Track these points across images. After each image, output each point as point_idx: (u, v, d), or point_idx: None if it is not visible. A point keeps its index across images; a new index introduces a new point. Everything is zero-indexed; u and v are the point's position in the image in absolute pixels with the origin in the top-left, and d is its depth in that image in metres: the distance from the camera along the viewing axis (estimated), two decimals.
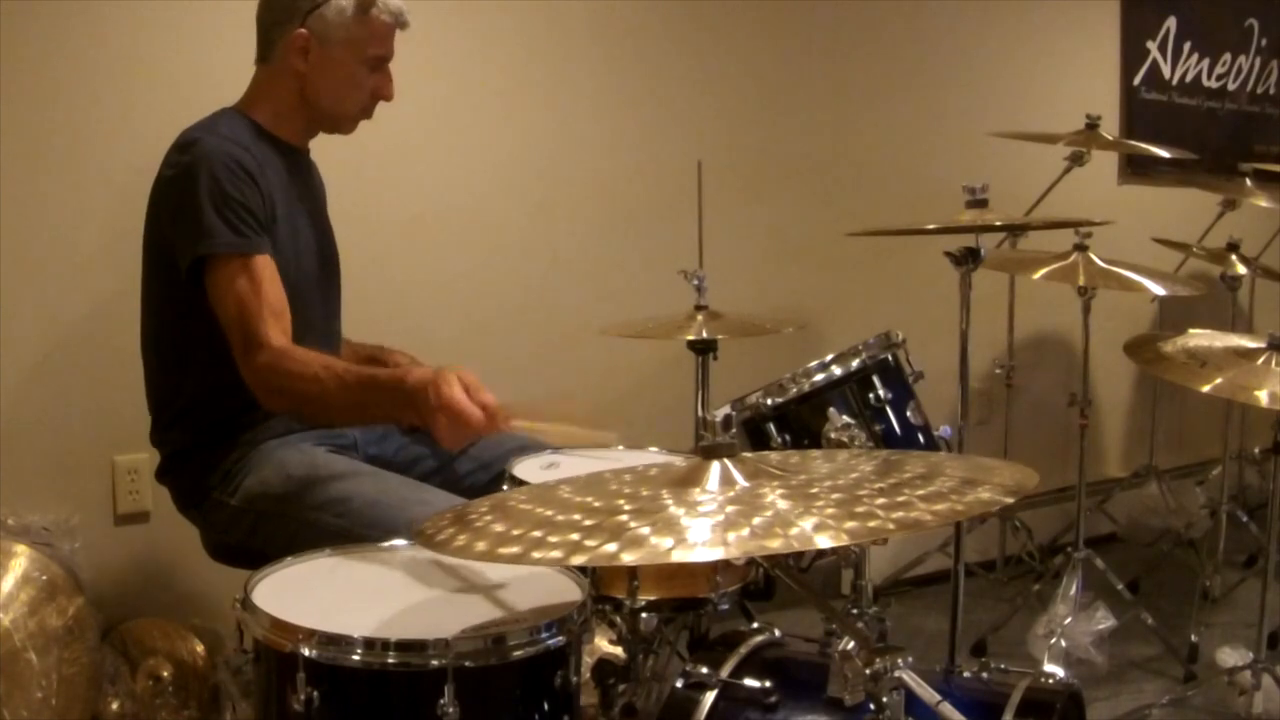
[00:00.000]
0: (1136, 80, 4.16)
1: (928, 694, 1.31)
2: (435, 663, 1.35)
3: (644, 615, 1.83)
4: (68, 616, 2.21)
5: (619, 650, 1.92)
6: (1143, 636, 3.05)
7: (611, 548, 1.10)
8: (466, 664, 1.36)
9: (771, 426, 2.20)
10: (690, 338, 2.44)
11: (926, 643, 3.05)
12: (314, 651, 1.36)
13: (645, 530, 1.12)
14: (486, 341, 2.88)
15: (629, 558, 1.09)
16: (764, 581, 1.95)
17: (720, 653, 1.66)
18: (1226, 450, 3.57)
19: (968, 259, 2.27)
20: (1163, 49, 4.21)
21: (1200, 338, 2.52)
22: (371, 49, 2.06)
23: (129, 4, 2.45)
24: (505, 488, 1.92)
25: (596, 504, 1.23)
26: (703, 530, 1.11)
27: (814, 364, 2.22)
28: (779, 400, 2.19)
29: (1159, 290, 2.87)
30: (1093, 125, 3.24)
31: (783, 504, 1.15)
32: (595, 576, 1.72)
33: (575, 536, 1.14)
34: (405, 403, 1.81)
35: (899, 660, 1.26)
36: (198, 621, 2.46)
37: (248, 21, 2.10)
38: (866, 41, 3.50)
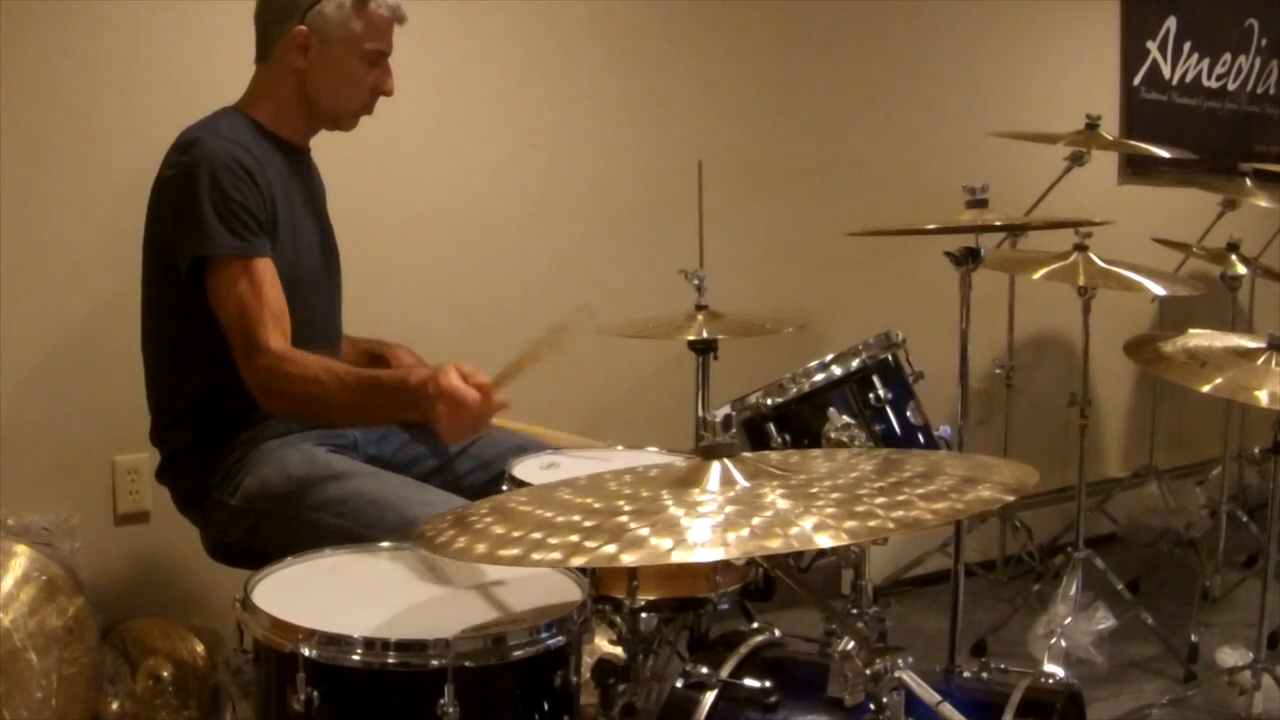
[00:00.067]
0: (1136, 80, 4.16)
1: (928, 694, 1.31)
2: (435, 663, 1.35)
3: (644, 615, 1.83)
4: (68, 616, 2.21)
5: (619, 650, 1.92)
6: (1143, 636, 3.05)
7: (611, 549, 1.10)
8: (466, 664, 1.36)
9: (771, 426, 2.20)
10: (690, 338, 2.44)
11: (926, 643, 3.05)
12: (314, 651, 1.36)
13: (645, 531, 1.12)
14: (486, 341, 2.85)
15: (629, 559, 1.09)
16: (764, 581, 1.95)
17: (720, 653, 1.66)
18: (1226, 450, 3.57)
19: (968, 259, 2.27)
20: (1163, 49, 4.21)
21: (1200, 338, 2.52)
22: (370, 44, 2.06)
23: (129, 4, 2.45)
24: (505, 488, 1.92)
25: (596, 505, 1.23)
26: (703, 531, 1.11)
27: (814, 364, 2.22)
28: (779, 400, 2.19)
29: (1159, 290, 2.87)
30: (1093, 125, 3.24)
31: (783, 504, 1.15)
32: (595, 577, 1.72)
33: (575, 538, 1.14)
34: (408, 402, 1.84)
35: (899, 660, 1.26)
36: (198, 621, 2.46)
37: (248, 21, 2.10)
38: (866, 41, 3.50)
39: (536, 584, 1.55)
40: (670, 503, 1.19)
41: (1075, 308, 3.06)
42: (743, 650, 1.67)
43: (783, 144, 3.37)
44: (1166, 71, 4.23)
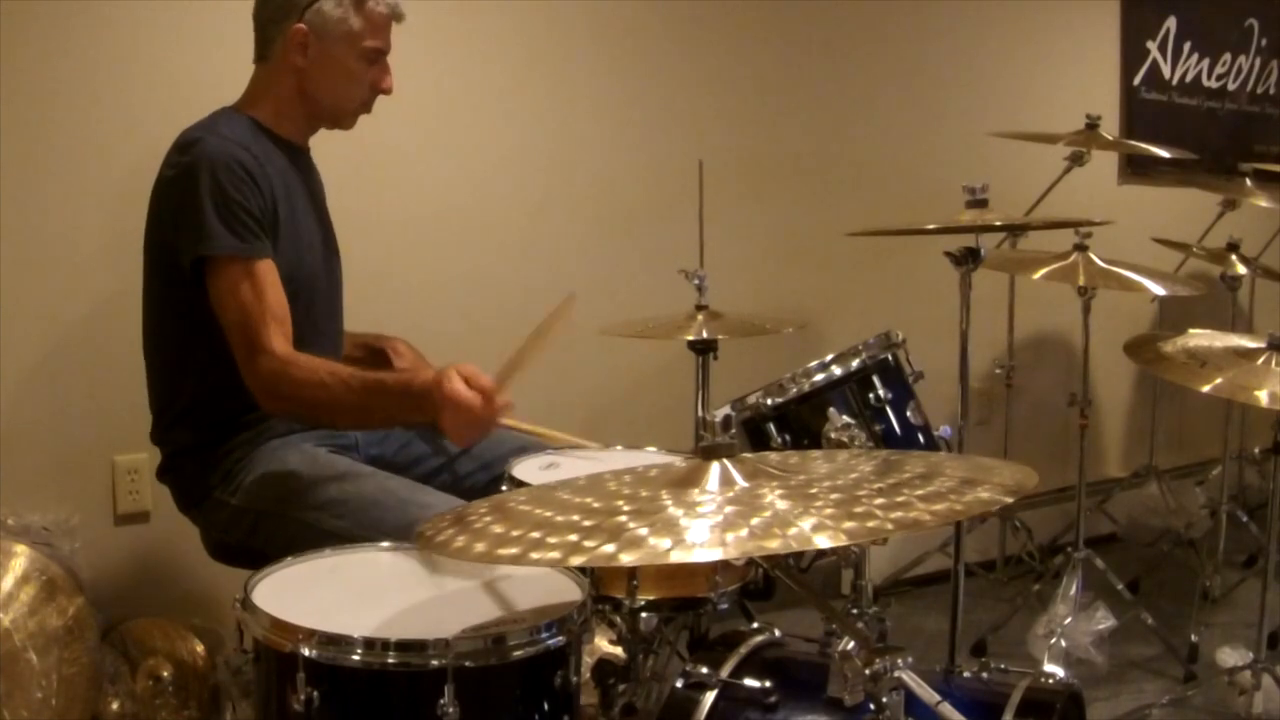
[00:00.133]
0: (1136, 80, 4.15)
1: (928, 694, 1.31)
2: (435, 663, 1.35)
3: (644, 615, 1.83)
4: (68, 616, 2.21)
5: (619, 650, 1.92)
6: (1143, 636, 3.05)
7: (610, 548, 1.10)
8: (466, 664, 1.36)
9: (771, 426, 2.20)
10: (690, 338, 2.44)
11: (926, 643, 3.05)
12: (314, 651, 1.36)
13: (644, 531, 1.12)
14: (486, 341, 2.84)
15: (627, 558, 1.09)
16: (764, 581, 1.95)
17: (720, 653, 1.66)
18: (1226, 450, 3.57)
19: (968, 259, 2.27)
20: (1163, 49, 4.21)
21: (1200, 338, 2.52)
22: (369, 41, 2.06)
23: (129, 4, 2.45)
24: (504, 488, 1.92)
25: (596, 505, 1.23)
26: (701, 531, 1.11)
27: (814, 364, 2.22)
28: (779, 400, 2.19)
29: (1159, 290, 2.87)
30: (1093, 125, 3.24)
31: (782, 504, 1.15)
32: (595, 576, 1.72)
33: (574, 537, 1.14)
34: (413, 405, 1.86)
35: (899, 660, 1.26)
36: (198, 621, 2.46)
37: (247, 21, 2.10)
38: (866, 41, 3.50)
39: (536, 584, 1.55)
40: (669, 503, 1.19)
41: (1075, 308, 3.06)
42: (743, 650, 1.66)
43: (783, 144, 3.37)
44: (1166, 71, 4.23)
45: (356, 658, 1.36)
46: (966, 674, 1.75)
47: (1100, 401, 4.00)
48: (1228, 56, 4.39)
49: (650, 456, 2.16)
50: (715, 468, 1.25)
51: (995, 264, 3.01)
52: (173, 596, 2.52)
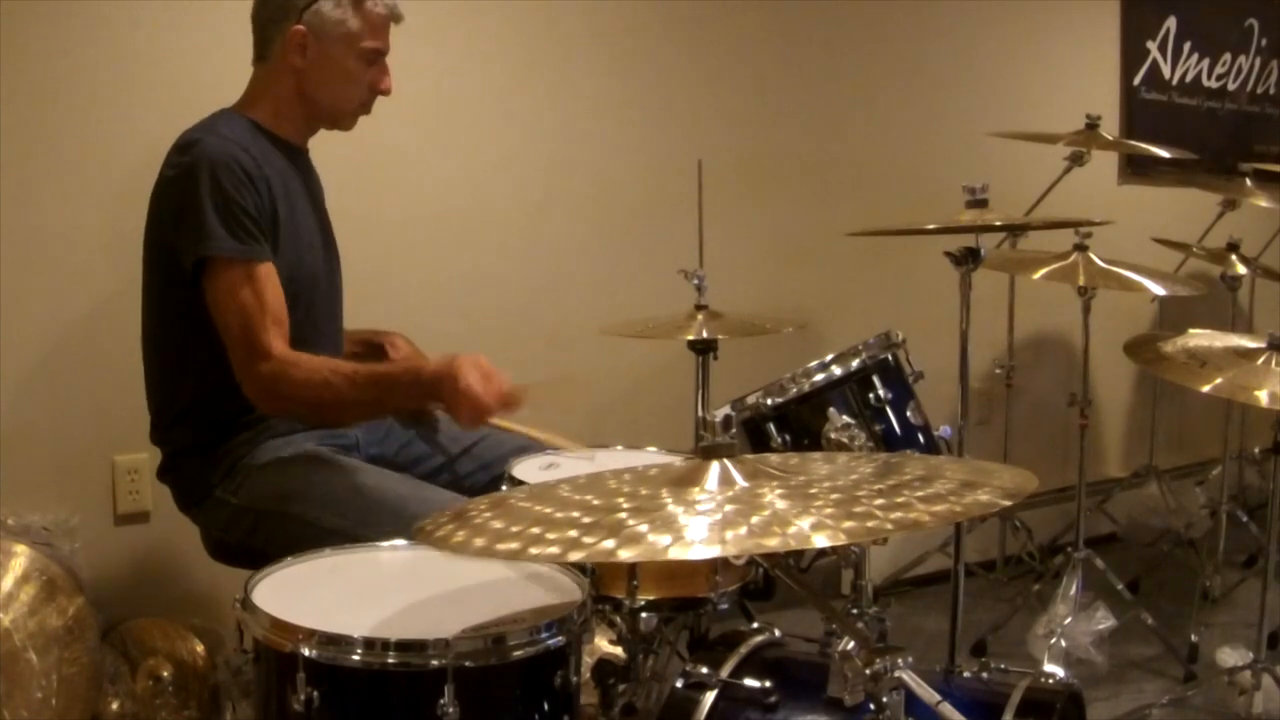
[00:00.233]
0: (1136, 80, 4.15)
1: (928, 694, 1.31)
2: (435, 663, 1.35)
3: (644, 615, 1.83)
4: (68, 616, 2.21)
5: (619, 650, 1.92)
6: (1143, 636, 3.05)
7: (609, 544, 1.10)
8: (466, 664, 1.36)
9: (771, 426, 2.20)
10: (690, 338, 2.44)
11: (926, 643, 3.05)
12: (314, 651, 1.36)
13: (643, 528, 1.12)
14: (486, 341, 2.85)
15: (626, 554, 1.09)
16: (764, 581, 1.95)
17: (720, 653, 1.66)
18: (1226, 450, 3.57)
19: (968, 259, 2.27)
20: (1163, 49, 4.21)
21: (1200, 338, 2.52)
22: (368, 42, 2.06)
23: (129, 4, 2.45)
24: (505, 488, 1.92)
25: (595, 502, 1.23)
26: (700, 528, 1.12)
27: (814, 364, 2.22)
28: (779, 400, 2.19)
29: (1159, 290, 2.87)
30: (1093, 125, 3.24)
31: (781, 504, 1.15)
32: (595, 576, 1.72)
33: (573, 533, 1.14)
34: (424, 393, 1.93)
35: (899, 660, 1.26)
36: (198, 621, 2.46)
37: (247, 21, 2.10)
38: (867, 41, 3.50)
39: (536, 584, 1.55)
40: (669, 501, 1.19)
41: (1075, 308, 3.06)
42: (743, 650, 1.67)
43: (783, 144, 3.37)
44: (1166, 71, 4.23)
45: (356, 658, 1.36)
46: (966, 674, 1.75)
47: (1100, 401, 4.00)
48: (1228, 56, 4.39)
49: (649, 456, 2.16)
50: (715, 467, 1.25)
51: (995, 264, 3.00)
52: (173, 596, 2.52)
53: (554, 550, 1.12)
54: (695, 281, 2.47)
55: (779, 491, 1.19)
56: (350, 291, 2.27)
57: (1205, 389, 2.29)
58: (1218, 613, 3.27)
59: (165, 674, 2.35)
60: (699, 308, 2.49)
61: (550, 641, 1.42)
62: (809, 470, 1.32)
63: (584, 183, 3.07)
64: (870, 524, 1.10)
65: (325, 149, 2.23)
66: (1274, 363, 2.30)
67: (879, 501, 1.15)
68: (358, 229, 2.40)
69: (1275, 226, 3.99)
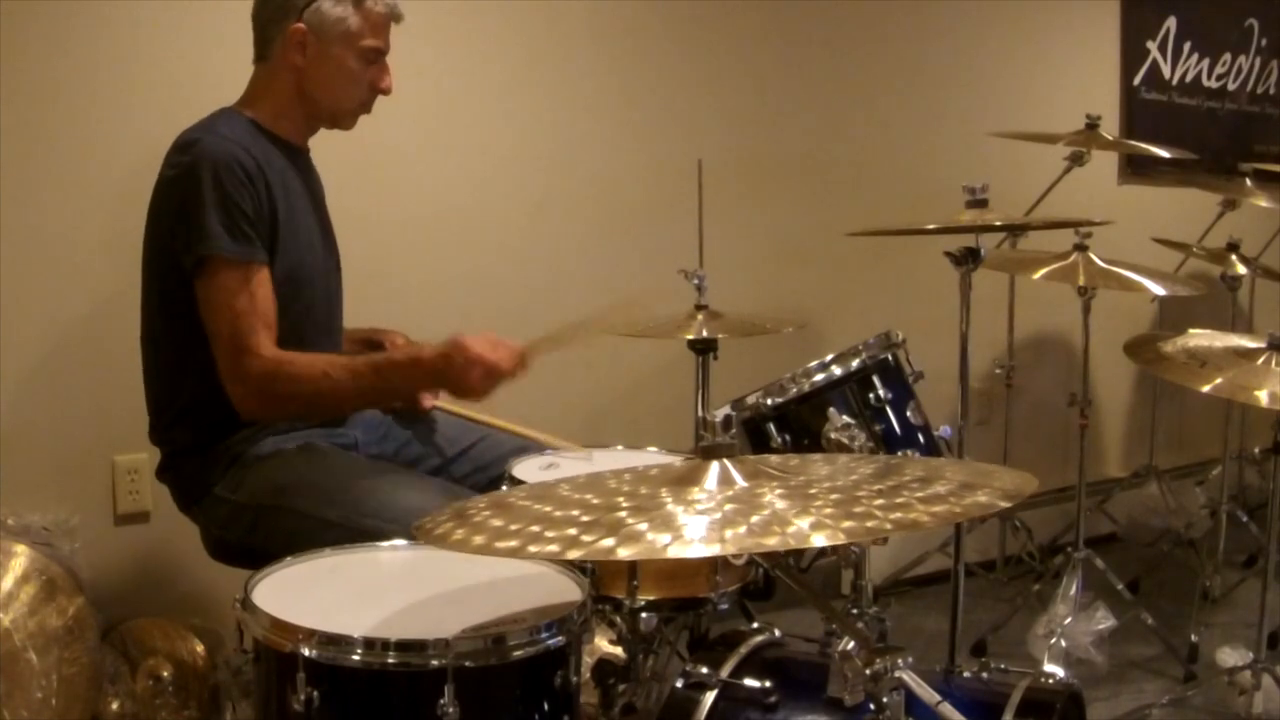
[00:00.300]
0: (1136, 80, 4.15)
1: (928, 694, 1.31)
2: (435, 663, 1.35)
3: (644, 615, 1.83)
4: (68, 616, 2.21)
5: (619, 650, 1.92)
6: (1143, 636, 3.05)
7: (609, 542, 1.10)
8: (466, 664, 1.36)
9: (771, 426, 2.20)
10: (690, 337, 2.44)
11: (926, 643, 3.05)
12: (314, 651, 1.36)
13: (642, 526, 1.12)
14: None
15: (625, 553, 1.09)
16: (764, 581, 1.95)
17: (720, 653, 1.66)
18: (1226, 450, 3.57)
19: (968, 259, 2.27)
20: (1163, 49, 4.21)
21: (1200, 338, 2.52)
22: (368, 41, 2.06)
23: (129, 4, 2.45)
24: (505, 488, 1.92)
25: (595, 501, 1.23)
26: (699, 527, 1.12)
27: (814, 364, 2.22)
28: (779, 400, 2.19)
29: (1159, 290, 2.87)
30: (1093, 125, 3.24)
31: (781, 504, 1.15)
32: (595, 576, 1.72)
33: (572, 531, 1.14)
34: (426, 375, 1.97)
35: (899, 660, 1.26)
36: (198, 621, 2.46)
37: (247, 21, 2.10)
38: (866, 41, 3.50)
39: (536, 584, 1.55)
40: (669, 500, 1.19)
41: (1075, 308, 3.06)
42: (743, 650, 1.67)
43: (783, 144, 3.37)
44: (1166, 71, 4.23)
45: (356, 658, 1.36)
46: (966, 674, 1.75)
47: (1100, 401, 4.00)
48: (1228, 56, 4.39)
49: (649, 457, 2.16)
50: (715, 467, 1.25)
51: (995, 264, 3.00)
52: (173, 596, 2.52)
53: (553, 548, 1.12)
54: (695, 281, 2.47)
55: (779, 491, 1.19)
56: (350, 291, 2.27)
57: (1205, 389, 2.29)
58: (1218, 613, 3.27)
59: (165, 674, 2.35)
60: (699, 307, 2.49)
61: (550, 641, 1.42)
62: (809, 470, 1.33)
63: (584, 183, 3.06)
64: (869, 524, 1.10)
65: (325, 149, 2.23)
66: (1274, 363, 2.30)
67: (878, 502, 1.15)
68: (358, 229, 2.40)
69: (1275, 226, 4.00)
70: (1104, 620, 2.88)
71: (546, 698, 1.44)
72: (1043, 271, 2.86)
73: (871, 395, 2.23)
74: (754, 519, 1.12)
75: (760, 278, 3.25)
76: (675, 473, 1.28)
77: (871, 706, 1.28)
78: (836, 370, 2.22)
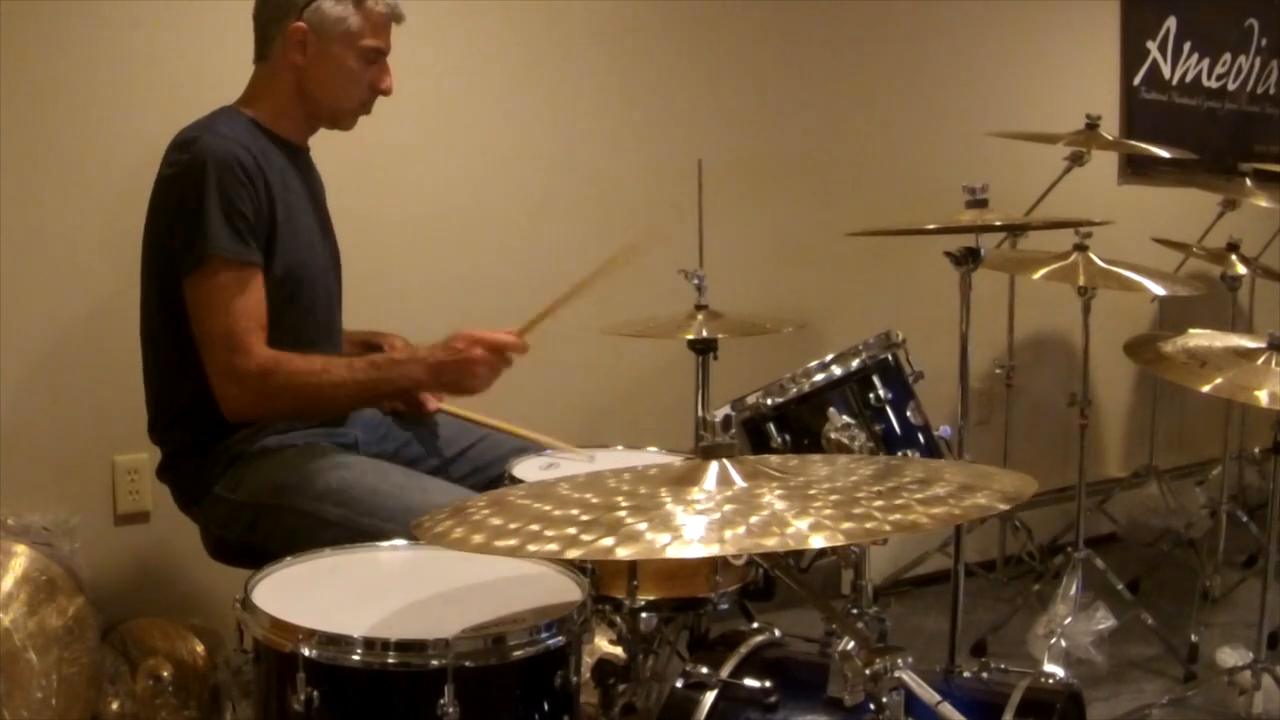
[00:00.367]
0: (1136, 80, 4.15)
1: (928, 694, 1.31)
2: (435, 663, 1.35)
3: (644, 615, 1.83)
4: (68, 616, 2.21)
5: (619, 650, 1.92)
6: (1143, 636, 3.05)
7: (608, 542, 1.10)
8: (466, 664, 1.36)
9: (771, 426, 2.20)
10: (690, 337, 2.44)
11: (926, 643, 3.05)
12: (314, 651, 1.36)
13: (642, 526, 1.12)
14: None
15: (624, 552, 1.09)
16: (764, 581, 1.95)
17: (720, 653, 1.66)
18: (1226, 450, 3.57)
19: (968, 259, 2.27)
20: (1163, 49, 4.21)
21: (1200, 338, 2.52)
22: (368, 41, 2.06)
23: (129, 4, 2.45)
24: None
25: (594, 500, 1.23)
26: (699, 527, 1.12)
27: (814, 364, 2.22)
28: (779, 400, 2.19)
29: (1159, 290, 2.87)
30: (1093, 125, 3.24)
31: (780, 504, 1.15)
32: (595, 576, 1.72)
33: (572, 531, 1.14)
34: (424, 369, 1.98)
35: (899, 660, 1.26)
36: (198, 621, 2.46)
37: (247, 21, 2.10)
38: (867, 41, 3.50)
39: (536, 584, 1.55)
40: (668, 500, 1.19)
41: (1075, 308, 3.06)
42: (743, 650, 1.67)
43: (783, 144, 3.37)
44: (1166, 71, 4.23)
45: (356, 658, 1.36)
46: (966, 674, 1.75)
47: (1100, 401, 4.00)
48: (1228, 56, 4.39)
49: (649, 457, 2.16)
50: (714, 467, 1.25)
51: (995, 264, 3.01)
52: (173, 596, 2.52)
53: (553, 547, 1.12)
54: (695, 281, 2.47)
55: (778, 492, 1.19)
56: (350, 291, 2.27)
57: (1205, 389, 2.29)
58: (1218, 613, 3.27)
59: (165, 674, 2.35)
60: (699, 307, 2.49)
61: (550, 641, 1.42)
62: (808, 471, 1.33)
63: (584, 183, 3.06)
64: (869, 525, 1.10)
65: (325, 149, 2.23)
66: (1274, 363, 2.30)
67: (878, 503, 1.15)
68: (358, 229, 2.40)
69: (1275, 226, 4.00)
70: (1104, 620, 2.88)
71: (546, 698, 1.44)
72: (1043, 271, 2.86)
73: (871, 395, 2.23)
74: (753, 520, 1.11)
75: (760, 278, 3.24)
76: (675, 473, 1.28)
77: (871, 706, 1.28)
78: (836, 370, 2.22)
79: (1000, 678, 1.66)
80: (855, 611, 1.59)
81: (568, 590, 1.54)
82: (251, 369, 1.90)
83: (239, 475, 2.00)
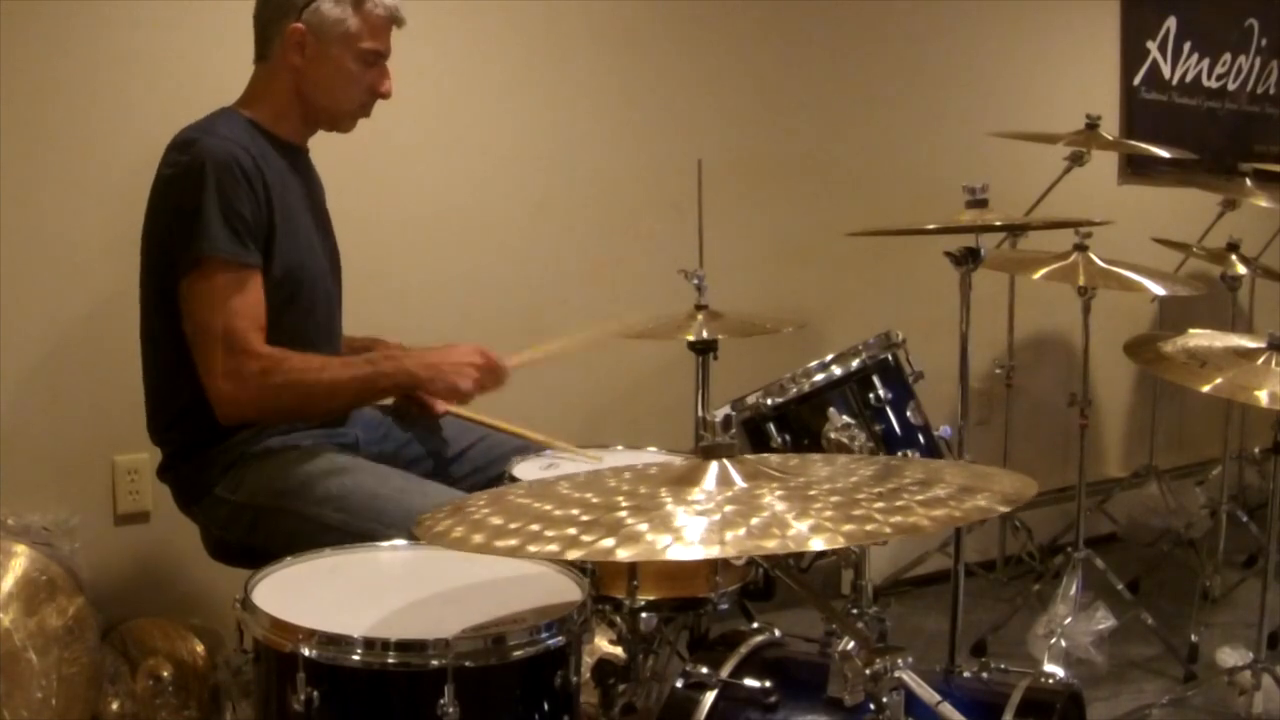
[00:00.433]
0: (1136, 80, 4.15)
1: (928, 694, 1.31)
2: (435, 663, 1.35)
3: (644, 615, 1.83)
4: (68, 616, 2.21)
5: (619, 650, 1.92)
6: (1143, 636, 3.05)
7: (608, 543, 1.10)
8: (466, 664, 1.36)
9: (771, 426, 2.20)
10: (690, 338, 2.44)
11: (926, 643, 3.05)
12: (314, 651, 1.36)
13: (642, 527, 1.12)
14: (487, 342, 2.85)
15: (625, 554, 1.09)
16: (764, 581, 1.95)
17: (720, 653, 1.66)
18: (1226, 450, 3.57)
19: (968, 259, 2.27)
20: (1163, 49, 4.21)
21: (1200, 338, 2.52)
22: (367, 43, 2.06)
23: (129, 4, 2.45)
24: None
25: (595, 500, 1.23)
26: (700, 529, 1.11)
27: (814, 364, 2.22)
28: (779, 400, 2.19)
29: (1159, 290, 2.87)
30: (1093, 125, 3.24)
31: (780, 505, 1.15)
32: (595, 576, 1.72)
33: (572, 531, 1.14)
34: (419, 364, 2.02)
35: (899, 660, 1.26)
36: (198, 621, 2.46)
37: (247, 21, 2.10)
38: (867, 41, 3.50)
39: (536, 584, 1.55)
40: (668, 500, 1.19)
41: (1075, 308, 3.06)
42: (743, 650, 1.66)
43: (783, 144, 3.37)
44: (1166, 71, 4.23)
45: (356, 658, 1.36)
46: (966, 674, 1.75)
47: (1100, 401, 4.00)
48: (1228, 56, 4.39)
49: (649, 457, 2.16)
50: (714, 467, 1.25)
51: (995, 264, 3.01)
52: (173, 596, 2.52)
53: (553, 548, 1.12)
54: (695, 281, 2.47)
55: (778, 493, 1.19)
56: (350, 291, 2.27)
57: (1205, 389, 2.29)
58: (1218, 613, 3.27)
59: (165, 674, 2.35)
60: (699, 307, 2.49)
61: (550, 641, 1.42)
62: (809, 471, 1.32)
63: (584, 183, 3.06)
64: (869, 527, 1.10)
65: (325, 149, 2.23)
66: (1274, 363, 2.30)
67: (878, 505, 1.15)
68: (358, 229, 2.40)
69: (1275, 226, 4.00)
70: (1104, 620, 2.88)
71: (546, 698, 1.44)
72: (1043, 271, 2.86)
73: (871, 395, 2.23)
74: (753, 521, 1.11)
75: (760, 278, 3.25)
76: (675, 472, 1.28)
77: (871, 706, 1.28)
78: (836, 370, 2.22)
79: (1000, 678, 1.66)
80: (855, 611, 1.59)
81: (568, 590, 1.54)
82: (253, 367, 1.90)
83: (240, 476, 2.00)
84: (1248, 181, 3.65)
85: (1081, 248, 2.86)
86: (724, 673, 1.62)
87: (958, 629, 2.33)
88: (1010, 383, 3.63)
